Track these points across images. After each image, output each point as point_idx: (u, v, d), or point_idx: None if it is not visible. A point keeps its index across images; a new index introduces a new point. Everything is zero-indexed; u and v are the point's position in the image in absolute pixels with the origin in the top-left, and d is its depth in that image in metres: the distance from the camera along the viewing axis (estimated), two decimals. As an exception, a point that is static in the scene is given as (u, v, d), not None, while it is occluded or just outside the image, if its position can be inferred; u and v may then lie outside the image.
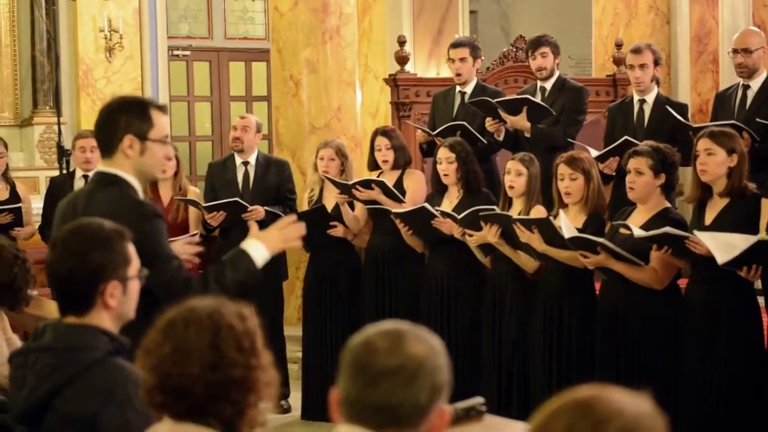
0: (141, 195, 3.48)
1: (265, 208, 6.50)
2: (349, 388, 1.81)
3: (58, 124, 6.29)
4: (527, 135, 6.33)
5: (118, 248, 2.62)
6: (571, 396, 1.56)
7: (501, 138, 6.41)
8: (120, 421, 2.46)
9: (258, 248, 3.35)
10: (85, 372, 2.52)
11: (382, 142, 6.31)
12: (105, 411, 2.47)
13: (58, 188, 6.74)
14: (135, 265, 2.67)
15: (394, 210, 5.91)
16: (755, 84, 6.09)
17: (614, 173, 5.84)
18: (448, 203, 5.88)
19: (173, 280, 3.28)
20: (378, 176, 6.32)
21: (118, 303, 2.62)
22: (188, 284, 3.31)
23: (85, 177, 6.61)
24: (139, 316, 2.68)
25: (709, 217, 4.73)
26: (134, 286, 2.68)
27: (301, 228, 3.40)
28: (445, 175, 5.87)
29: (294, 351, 6.94)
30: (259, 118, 7.09)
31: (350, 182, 6.19)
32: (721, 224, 4.63)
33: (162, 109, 3.47)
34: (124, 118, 3.37)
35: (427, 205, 5.74)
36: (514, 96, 6.62)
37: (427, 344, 1.84)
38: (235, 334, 2.11)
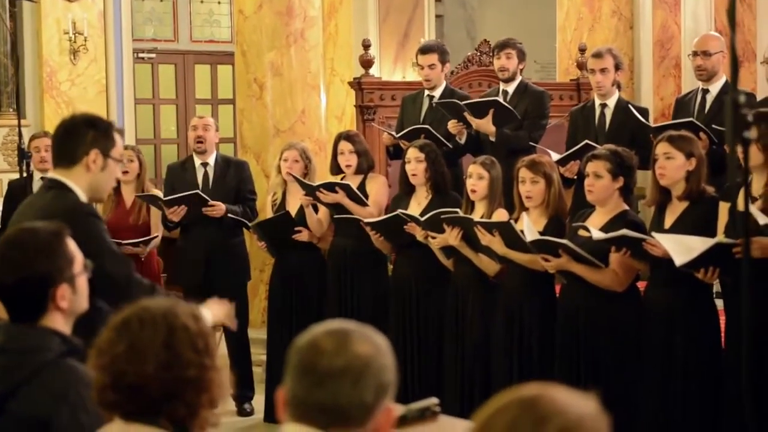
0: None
1: (227, 205, 6.49)
2: (296, 389, 1.83)
3: (19, 126, 6.28)
4: (492, 139, 6.35)
5: (58, 251, 2.63)
6: (515, 393, 1.57)
7: (463, 141, 6.43)
8: (73, 423, 2.46)
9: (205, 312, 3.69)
10: (38, 374, 2.51)
11: (345, 146, 6.31)
12: (58, 413, 2.46)
13: (16, 191, 6.70)
14: (79, 260, 2.68)
15: (365, 220, 5.91)
16: (714, 88, 6.15)
17: (575, 177, 5.88)
18: (416, 205, 5.89)
19: (118, 275, 3.55)
20: (341, 180, 6.32)
21: (69, 302, 2.63)
22: (136, 282, 3.62)
23: (44, 179, 6.58)
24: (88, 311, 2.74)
25: (668, 221, 4.77)
26: (82, 281, 2.70)
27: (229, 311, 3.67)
28: (414, 174, 5.88)
29: (258, 354, 6.93)
30: (221, 120, 7.08)
31: (315, 184, 6.20)
32: (680, 227, 4.66)
33: (120, 131, 3.69)
34: (92, 133, 3.57)
35: (401, 212, 5.74)
36: (482, 99, 6.64)
37: (372, 344, 1.85)
38: (190, 334, 2.12)
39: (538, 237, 4.87)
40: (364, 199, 6.14)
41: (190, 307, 2.18)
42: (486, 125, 6.28)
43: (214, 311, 3.75)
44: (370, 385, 1.81)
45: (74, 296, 2.65)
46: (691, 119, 5.79)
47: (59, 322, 2.62)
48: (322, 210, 6.35)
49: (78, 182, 3.56)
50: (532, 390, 1.57)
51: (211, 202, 6.41)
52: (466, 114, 6.27)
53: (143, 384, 2.07)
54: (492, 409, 1.55)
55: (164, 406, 2.09)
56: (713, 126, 5.67)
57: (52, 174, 3.65)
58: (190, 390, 2.11)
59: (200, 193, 6.41)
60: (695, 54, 6.21)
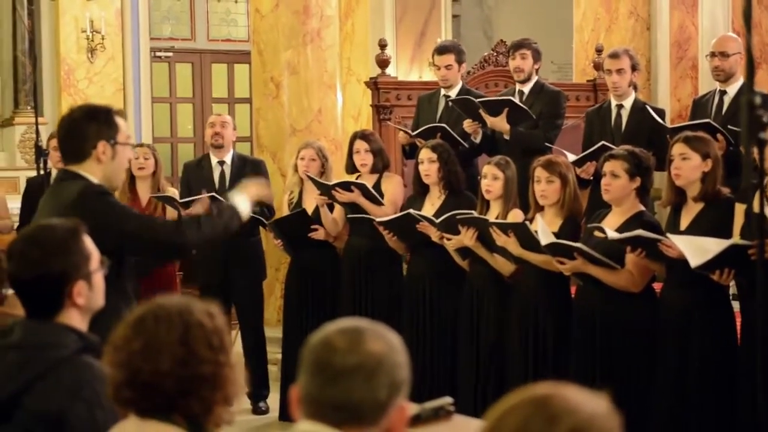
0: None
1: None
2: (310, 386, 1.83)
3: (36, 124, 6.31)
4: (506, 137, 6.35)
5: (75, 248, 2.64)
6: (527, 392, 1.58)
7: (478, 140, 6.43)
8: (88, 420, 2.47)
9: (242, 200, 3.91)
10: (54, 369, 2.53)
11: (360, 145, 6.32)
12: (73, 409, 2.48)
13: (34, 189, 6.73)
14: (95, 257, 2.69)
15: (377, 219, 5.92)
16: (731, 90, 6.13)
17: (591, 178, 5.87)
18: (430, 205, 5.90)
19: (144, 227, 3.61)
20: (356, 179, 6.33)
21: (86, 299, 2.65)
22: (161, 223, 3.82)
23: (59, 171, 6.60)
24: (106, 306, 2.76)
25: (684, 222, 4.76)
26: (98, 278, 2.71)
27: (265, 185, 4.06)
28: (427, 175, 5.89)
29: (273, 352, 6.94)
30: (237, 119, 7.10)
31: (330, 183, 6.21)
32: (696, 229, 4.65)
33: (120, 113, 3.70)
34: (94, 126, 3.56)
35: (412, 212, 5.75)
36: (496, 97, 6.64)
37: (385, 342, 1.86)
38: (205, 331, 2.14)
39: (552, 239, 4.86)
40: (379, 198, 6.15)
41: (205, 305, 2.20)
42: (500, 123, 6.29)
43: (250, 191, 3.98)
44: (383, 383, 1.81)
45: (91, 293, 2.67)
46: (708, 120, 5.77)
47: (76, 319, 2.64)
48: (338, 209, 6.36)
49: (92, 173, 3.57)
50: (544, 389, 1.57)
51: None
52: (480, 111, 6.27)
53: (158, 381, 2.09)
54: (504, 408, 1.56)
55: (179, 403, 2.11)
56: (730, 127, 5.65)
57: (65, 167, 3.67)
58: (205, 387, 2.12)
59: (216, 195, 6.42)
60: (713, 55, 6.19)
